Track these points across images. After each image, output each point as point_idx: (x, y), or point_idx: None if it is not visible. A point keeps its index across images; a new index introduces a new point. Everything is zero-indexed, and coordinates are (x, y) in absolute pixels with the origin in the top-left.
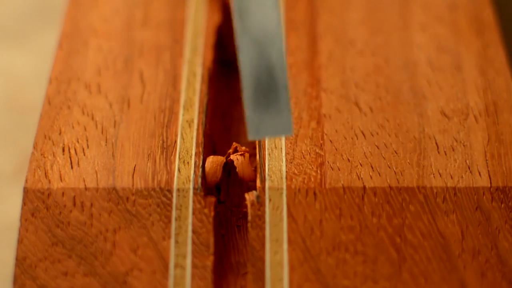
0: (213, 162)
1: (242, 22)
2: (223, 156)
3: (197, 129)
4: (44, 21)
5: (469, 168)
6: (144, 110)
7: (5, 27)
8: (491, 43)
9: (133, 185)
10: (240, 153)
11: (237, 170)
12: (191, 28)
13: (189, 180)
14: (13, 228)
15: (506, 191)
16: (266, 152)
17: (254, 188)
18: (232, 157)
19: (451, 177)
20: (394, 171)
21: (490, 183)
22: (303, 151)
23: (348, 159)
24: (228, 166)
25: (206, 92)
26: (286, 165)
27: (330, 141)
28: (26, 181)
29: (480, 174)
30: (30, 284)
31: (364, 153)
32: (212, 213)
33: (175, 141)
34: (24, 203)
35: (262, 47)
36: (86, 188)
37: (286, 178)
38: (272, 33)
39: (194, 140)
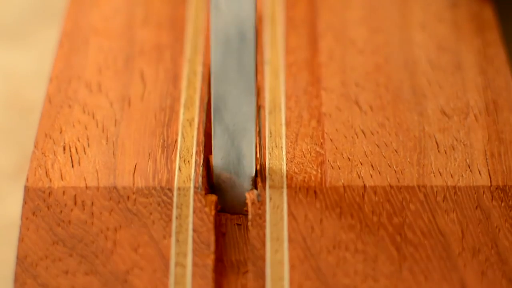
0: None
1: (219, 113)
2: None
3: (198, 128)
4: (44, 20)
5: (469, 167)
6: (144, 109)
7: (5, 26)
8: (491, 42)
9: (133, 184)
10: None
11: None
12: (191, 27)
13: (190, 179)
14: (14, 227)
15: (506, 190)
16: (267, 151)
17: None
18: None
19: (451, 176)
20: (395, 170)
21: (490, 182)
22: (303, 150)
23: (349, 158)
24: None
25: (207, 91)
26: (286, 164)
27: (331, 140)
28: (27, 180)
29: (480, 173)
30: (31, 282)
31: (365, 152)
32: (213, 212)
33: (176, 140)
34: (25, 202)
35: (234, 137)
36: (87, 187)
37: (287, 177)
38: (245, 128)
39: (195, 139)
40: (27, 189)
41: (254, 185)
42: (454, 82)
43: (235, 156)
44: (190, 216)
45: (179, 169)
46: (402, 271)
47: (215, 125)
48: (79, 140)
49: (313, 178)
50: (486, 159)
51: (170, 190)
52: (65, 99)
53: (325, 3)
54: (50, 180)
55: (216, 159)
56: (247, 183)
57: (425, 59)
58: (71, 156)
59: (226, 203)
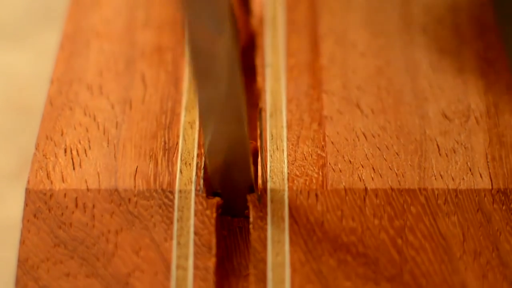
0: None
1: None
2: None
3: (199, 131)
4: (45, 22)
5: (470, 170)
6: (145, 111)
7: (6, 28)
8: (491, 45)
9: (135, 187)
10: None
11: None
12: None
13: (191, 182)
14: (15, 229)
15: (507, 193)
16: (268, 154)
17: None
18: None
19: (452, 179)
20: (396, 173)
21: (491, 185)
22: (304, 153)
23: (350, 161)
24: None
25: None
26: (287, 167)
27: (332, 142)
28: (28, 182)
29: (481, 176)
30: (32, 285)
31: (366, 154)
32: (214, 215)
33: (177, 143)
34: (26, 204)
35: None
36: (88, 189)
37: (288, 179)
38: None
39: (196, 141)
40: (28, 191)
41: (255, 190)
42: (455, 85)
43: (231, 164)
44: (191, 218)
45: (180, 171)
46: (403, 274)
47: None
48: (80, 143)
49: (314, 180)
50: (487, 162)
51: (171, 192)
52: (66, 101)
53: (326, 6)
54: (51, 182)
55: (212, 168)
56: (246, 190)
57: (426, 62)
58: (72, 159)
59: (227, 208)
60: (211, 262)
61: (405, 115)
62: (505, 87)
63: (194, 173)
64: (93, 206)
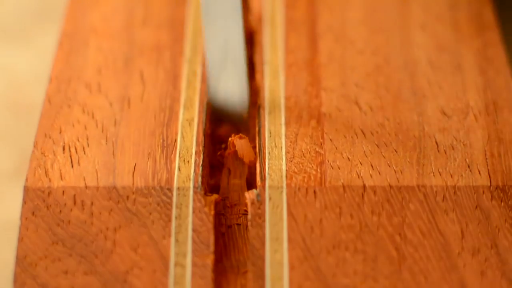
0: None
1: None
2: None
3: (197, 128)
4: (44, 20)
5: (468, 167)
6: (144, 109)
7: (5, 26)
8: (491, 42)
9: (133, 184)
10: (239, 136)
11: (237, 149)
12: (191, 27)
13: (189, 179)
14: (13, 227)
15: (506, 190)
16: (266, 151)
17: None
18: (232, 138)
19: (451, 176)
20: (394, 170)
21: (490, 182)
22: (303, 150)
23: (348, 158)
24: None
25: (206, 91)
26: (286, 164)
27: (330, 139)
28: (27, 179)
29: (479, 173)
30: (31, 282)
31: (364, 151)
32: (212, 212)
33: (175, 140)
34: (24, 202)
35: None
36: (86, 187)
37: (286, 176)
38: (235, 42)
39: (194, 138)
40: (26, 189)
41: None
42: (454, 82)
43: (226, 52)
44: (189, 216)
45: (179, 169)
46: (402, 271)
47: (207, 34)
48: (78, 140)
49: (312, 178)
50: (486, 159)
51: (170, 190)
52: (64, 99)
53: (325, 4)
54: (50, 180)
55: (211, 58)
56: (242, 89)
57: (425, 60)
58: (70, 156)
59: (224, 116)
60: (209, 259)
61: (404, 112)
62: (504, 84)
63: (192, 171)
64: (92, 203)
